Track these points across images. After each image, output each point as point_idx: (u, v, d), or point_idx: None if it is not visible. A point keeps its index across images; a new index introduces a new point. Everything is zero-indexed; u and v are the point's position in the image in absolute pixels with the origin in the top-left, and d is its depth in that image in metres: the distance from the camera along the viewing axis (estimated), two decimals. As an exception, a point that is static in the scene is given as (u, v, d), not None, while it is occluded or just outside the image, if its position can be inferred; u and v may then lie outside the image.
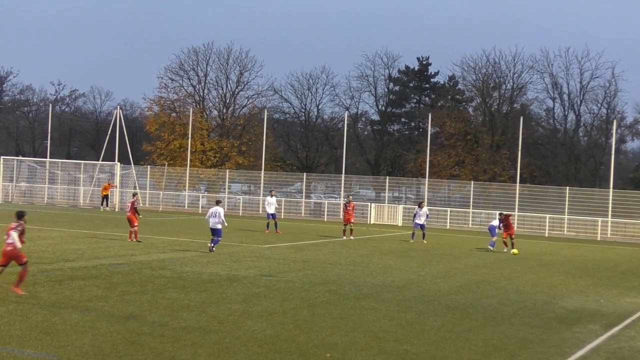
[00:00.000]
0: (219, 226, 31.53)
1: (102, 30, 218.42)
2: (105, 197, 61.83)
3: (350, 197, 47.03)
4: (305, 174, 71.51)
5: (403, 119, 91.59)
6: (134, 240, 34.14)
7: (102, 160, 68.86)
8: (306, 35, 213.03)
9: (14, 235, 18.90)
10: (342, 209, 46.53)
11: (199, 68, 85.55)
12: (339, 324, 17.11)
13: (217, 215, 31.64)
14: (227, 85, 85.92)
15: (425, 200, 63.65)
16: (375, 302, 20.46)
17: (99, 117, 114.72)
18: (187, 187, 71.12)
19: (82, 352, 13.41)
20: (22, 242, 19.02)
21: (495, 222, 39.54)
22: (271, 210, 44.57)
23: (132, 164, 67.84)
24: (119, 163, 65.94)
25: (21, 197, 67.73)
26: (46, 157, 72.82)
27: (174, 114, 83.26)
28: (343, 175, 67.50)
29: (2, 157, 68.71)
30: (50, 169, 71.06)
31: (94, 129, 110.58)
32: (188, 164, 71.72)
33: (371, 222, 62.18)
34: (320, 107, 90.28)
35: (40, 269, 23.56)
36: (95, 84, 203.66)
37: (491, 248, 38.46)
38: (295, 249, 35.31)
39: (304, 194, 68.50)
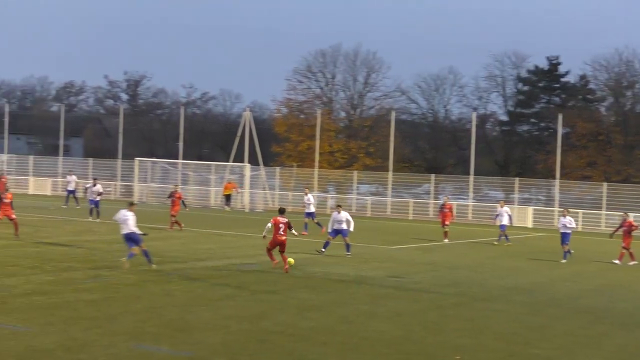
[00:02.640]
0: (344, 226, 30.93)
1: (232, 33, 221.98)
2: (228, 197, 62.89)
3: (446, 197, 45.82)
4: (433, 175, 71.06)
5: (532, 120, 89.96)
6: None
7: (232, 162, 69.90)
8: (433, 35, 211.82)
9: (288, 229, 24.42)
10: (439, 210, 43.52)
11: (326, 70, 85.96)
12: (467, 326, 17.01)
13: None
14: (354, 87, 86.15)
15: (557, 201, 62.44)
16: (504, 305, 20.26)
17: (229, 119, 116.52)
18: (315, 188, 71.58)
19: (214, 350, 13.70)
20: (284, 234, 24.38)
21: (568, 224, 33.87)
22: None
23: (262, 165, 68.66)
24: (248, 164, 66.82)
25: (154, 197, 69.38)
26: (178, 159, 74.41)
27: (302, 116, 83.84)
28: (471, 176, 66.83)
29: (136, 158, 70.53)
30: (183, 170, 72.57)
31: (224, 131, 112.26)
32: (316, 165, 72.18)
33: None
34: (447, 108, 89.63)
35: (174, 268, 24.15)
36: (225, 87, 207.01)
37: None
38: (423, 250, 35.21)
39: (432, 195, 68.11)
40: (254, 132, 68.18)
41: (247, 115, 69.44)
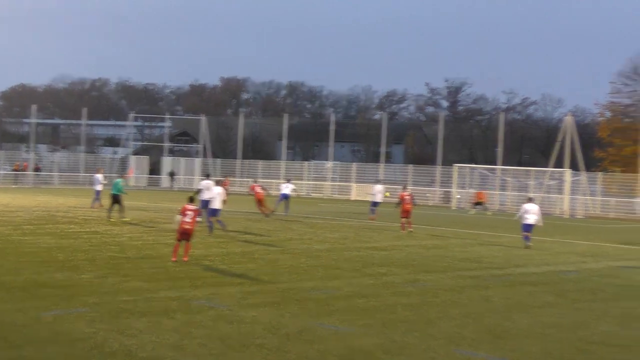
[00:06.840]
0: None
1: (552, 36, 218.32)
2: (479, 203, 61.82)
3: None
4: None
5: None
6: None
7: (552, 167, 68.68)
8: None
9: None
10: None
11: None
12: None
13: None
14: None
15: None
16: None
17: (550, 124, 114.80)
18: (640, 194, 68.69)
19: (533, 358, 13.48)
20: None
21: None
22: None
23: (583, 171, 66.95)
24: (569, 169, 65.42)
25: (471, 203, 69.55)
26: (497, 165, 74.19)
27: (626, 120, 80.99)
28: None
29: (455, 164, 71.08)
30: (501, 175, 72.26)
31: (544, 136, 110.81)
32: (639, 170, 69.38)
33: None
34: None
35: (491, 274, 24.04)
36: (546, 92, 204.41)
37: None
38: None
39: None
40: (575, 136, 66.63)
41: (569, 120, 68.00)
